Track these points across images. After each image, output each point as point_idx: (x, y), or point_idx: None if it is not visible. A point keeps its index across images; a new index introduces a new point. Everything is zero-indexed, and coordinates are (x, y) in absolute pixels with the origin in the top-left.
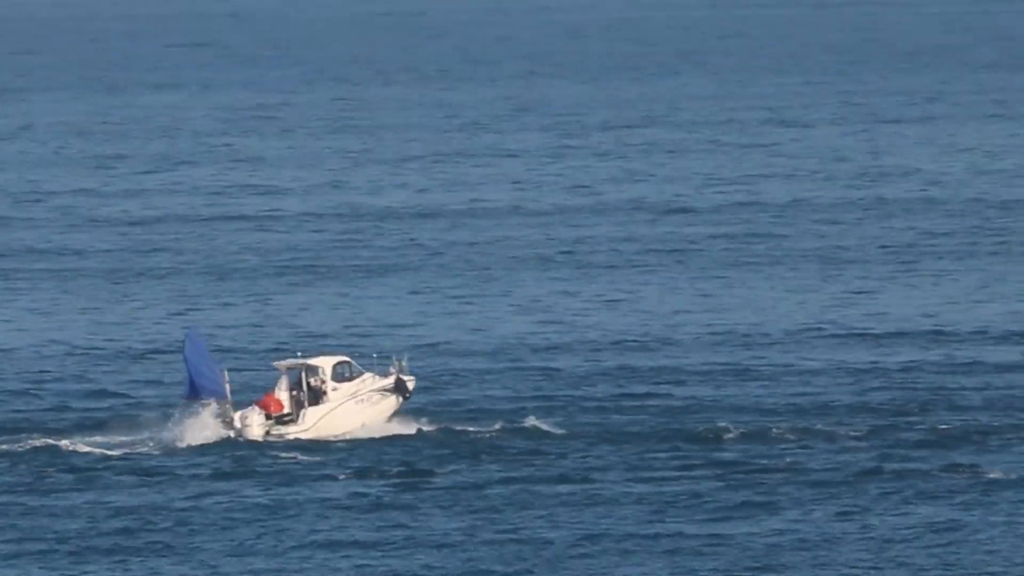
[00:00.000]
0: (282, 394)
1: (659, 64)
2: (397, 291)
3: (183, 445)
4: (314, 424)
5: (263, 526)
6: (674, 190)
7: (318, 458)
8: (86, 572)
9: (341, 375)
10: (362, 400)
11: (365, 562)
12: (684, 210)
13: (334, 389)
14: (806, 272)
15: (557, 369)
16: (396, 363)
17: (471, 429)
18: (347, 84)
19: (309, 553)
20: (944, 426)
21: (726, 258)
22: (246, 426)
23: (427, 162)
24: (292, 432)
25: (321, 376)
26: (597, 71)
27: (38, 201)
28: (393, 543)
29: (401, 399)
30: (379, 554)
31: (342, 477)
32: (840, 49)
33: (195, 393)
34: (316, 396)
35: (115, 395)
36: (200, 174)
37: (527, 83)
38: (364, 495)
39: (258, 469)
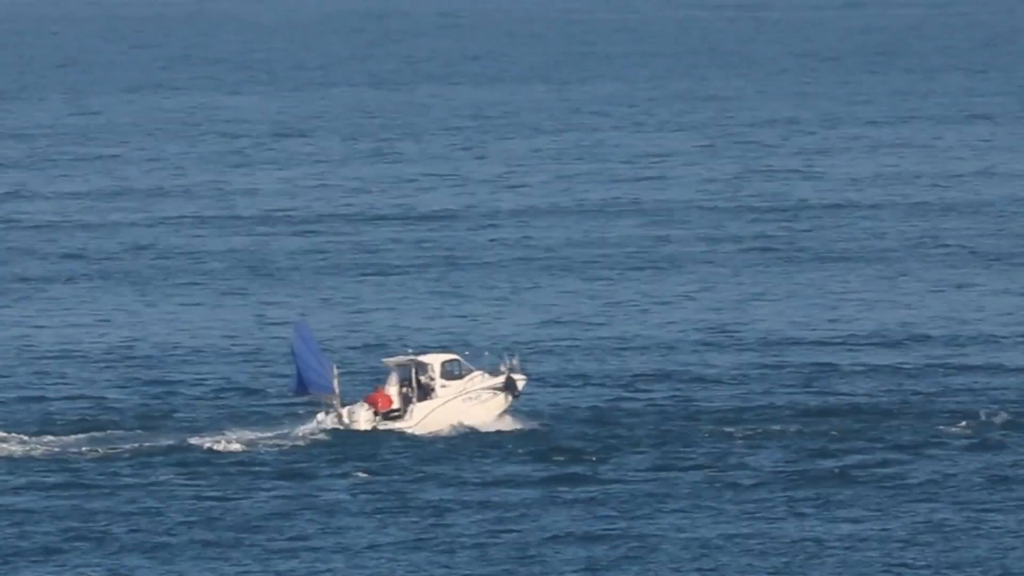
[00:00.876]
0: (391, 390)
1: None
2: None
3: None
4: (421, 420)
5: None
6: (657, 192)
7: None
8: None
9: (450, 373)
10: (470, 398)
11: (395, 561)
12: (669, 211)
13: (443, 386)
14: (795, 274)
15: (566, 371)
16: (507, 362)
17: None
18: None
19: (353, 554)
20: (938, 427)
21: (723, 260)
22: (353, 421)
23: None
24: (399, 427)
25: (430, 373)
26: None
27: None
28: (394, 544)
29: (511, 398)
30: (391, 554)
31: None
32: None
33: (302, 387)
34: (425, 393)
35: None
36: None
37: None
38: (400, 495)
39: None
